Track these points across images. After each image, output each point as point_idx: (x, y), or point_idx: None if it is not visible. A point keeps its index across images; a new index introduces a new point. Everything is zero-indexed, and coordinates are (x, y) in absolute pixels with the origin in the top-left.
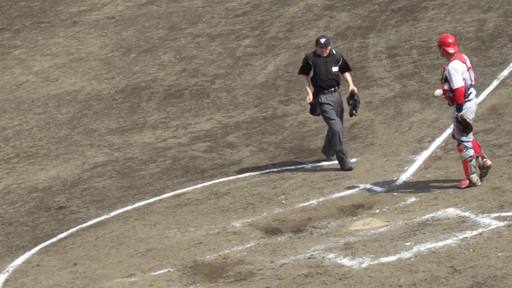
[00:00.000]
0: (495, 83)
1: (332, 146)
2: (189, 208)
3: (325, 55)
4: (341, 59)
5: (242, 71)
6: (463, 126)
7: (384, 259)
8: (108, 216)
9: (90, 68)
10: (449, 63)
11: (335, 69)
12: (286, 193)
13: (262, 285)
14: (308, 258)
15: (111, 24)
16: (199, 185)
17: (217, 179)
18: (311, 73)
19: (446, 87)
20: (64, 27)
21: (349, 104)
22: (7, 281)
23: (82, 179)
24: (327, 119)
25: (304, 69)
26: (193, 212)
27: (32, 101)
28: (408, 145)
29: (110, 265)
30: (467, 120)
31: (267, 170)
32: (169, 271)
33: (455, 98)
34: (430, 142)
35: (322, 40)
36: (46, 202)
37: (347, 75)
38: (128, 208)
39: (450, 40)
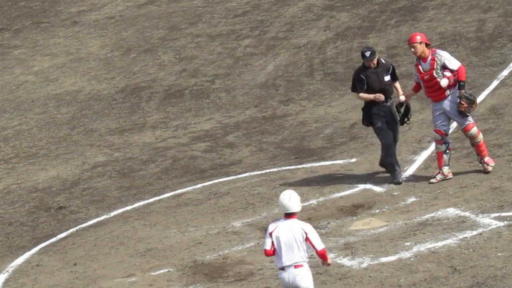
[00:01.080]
0: (495, 83)
1: (384, 158)
2: (189, 208)
3: (373, 66)
4: (391, 67)
5: (242, 71)
6: (470, 102)
7: (384, 259)
8: (108, 216)
9: (90, 68)
10: (436, 53)
11: (387, 78)
12: None
13: (262, 285)
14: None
15: (111, 24)
16: (199, 185)
17: (217, 179)
18: (364, 87)
19: (448, 74)
20: (64, 27)
21: (398, 112)
22: (7, 281)
23: (82, 179)
24: (378, 132)
25: (358, 86)
26: (193, 212)
27: (32, 101)
28: (408, 145)
29: (110, 265)
30: (472, 95)
31: (267, 170)
32: (169, 271)
33: (460, 77)
34: (430, 142)
35: (367, 54)
36: (46, 202)
37: (396, 84)
38: (128, 208)
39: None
